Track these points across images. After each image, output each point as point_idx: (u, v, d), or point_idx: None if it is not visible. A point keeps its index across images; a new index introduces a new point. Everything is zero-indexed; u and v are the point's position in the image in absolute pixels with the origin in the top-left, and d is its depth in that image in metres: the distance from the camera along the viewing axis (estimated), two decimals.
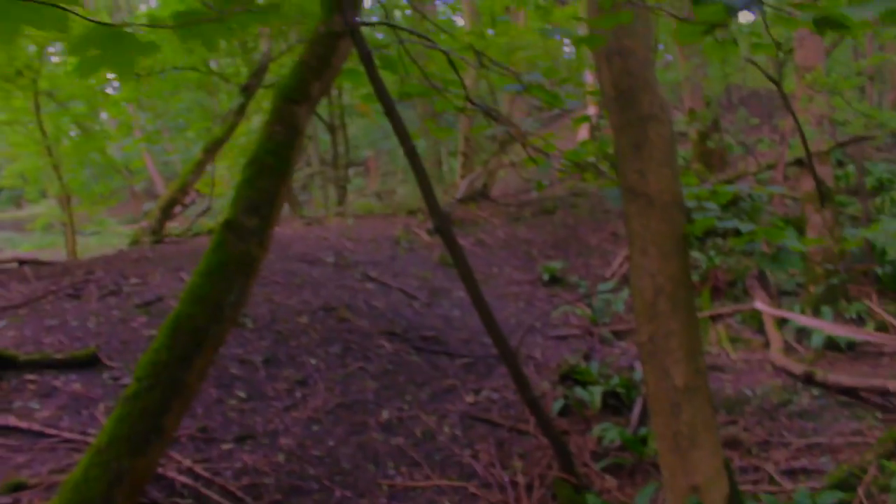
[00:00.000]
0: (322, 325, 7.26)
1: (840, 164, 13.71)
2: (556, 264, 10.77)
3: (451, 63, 5.78)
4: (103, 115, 19.41)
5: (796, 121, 4.95)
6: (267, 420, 5.60)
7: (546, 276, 10.53)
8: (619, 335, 9.03)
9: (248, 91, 14.23)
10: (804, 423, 6.10)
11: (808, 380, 6.88)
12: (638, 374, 7.06)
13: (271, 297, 7.71)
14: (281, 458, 5.17)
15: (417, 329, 7.79)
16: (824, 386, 6.72)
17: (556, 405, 6.36)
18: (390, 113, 4.73)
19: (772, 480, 5.25)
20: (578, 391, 6.60)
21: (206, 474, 4.71)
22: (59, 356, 5.92)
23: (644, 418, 6.20)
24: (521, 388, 5.11)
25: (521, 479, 5.33)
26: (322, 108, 20.45)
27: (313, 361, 6.56)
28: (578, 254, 11.51)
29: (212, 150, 13.60)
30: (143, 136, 19.47)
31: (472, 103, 5.94)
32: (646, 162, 4.23)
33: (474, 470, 5.42)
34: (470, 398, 6.51)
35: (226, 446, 5.19)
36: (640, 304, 4.26)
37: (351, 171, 23.13)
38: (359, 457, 5.38)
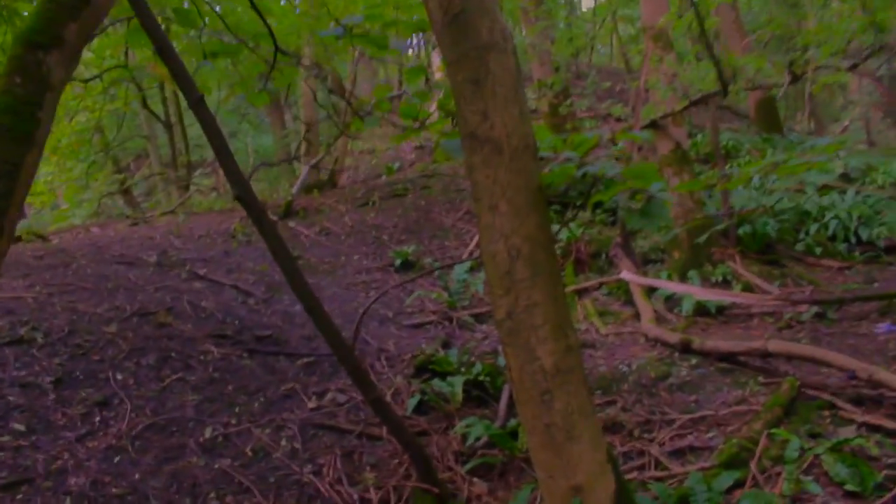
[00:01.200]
0: (135, 333, 6.13)
1: (690, 134, 13.64)
2: (409, 248, 9.96)
3: (256, 9, 4.85)
4: None
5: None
6: (52, 456, 4.48)
7: (398, 262, 9.71)
8: (479, 318, 8.32)
9: None
10: (686, 397, 5.53)
11: (686, 348, 6.36)
12: (502, 359, 6.35)
13: (74, 305, 6.50)
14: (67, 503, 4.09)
15: (252, 329, 6.78)
16: (702, 353, 6.21)
17: (412, 402, 5.54)
18: (174, 72, 3.76)
19: (658, 464, 4.61)
20: (437, 384, 5.81)
21: None
22: None
23: (513, 409, 5.48)
24: (361, 387, 4.24)
25: (373, 495, 4.47)
26: (156, 104, 18.88)
27: (119, 377, 5.45)
28: (433, 236, 10.74)
29: None
30: None
31: (284, 53, 5.02)
32: (488, 100, 3.41)
33: (317, 489, 4.51)
34: (312, 403, 5.58)
35: None
36: (494, 274, 3.45)
37: (197, 172, 21.52)
38: (172, 489, 4.35)
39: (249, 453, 4.83)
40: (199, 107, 3.75)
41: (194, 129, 23.85)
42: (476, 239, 10.53)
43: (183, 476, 4.49)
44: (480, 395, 5.88)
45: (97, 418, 4.94)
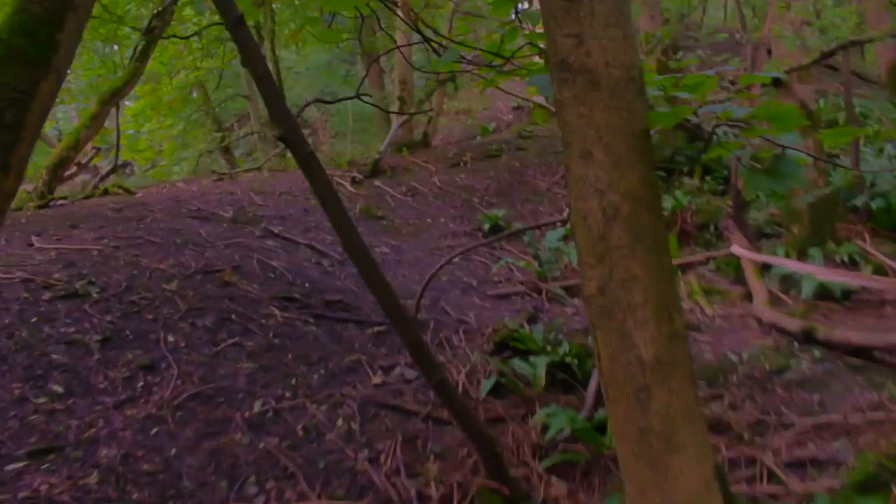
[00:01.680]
0: (195, 291, 5.70)
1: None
2: (499, 212, 9.26)
3: None
4: None
5: None
6: (86, 423, 4.07)
7: (487, 226, 9.02)
8: (571, 291, 7.58)
9: (150, 34, 12.48)
10: (808, 396, 4.69)
11: (808, 338, 5.48)
12: None
13: (137, 259, 6.13)
14: (93, 478, 3.65)
15: (322, 292, 6.26)
16: (828, 345, 5.32)
17: (487, 384, 4.90)
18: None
19: (772, 477, 3.84)
20: (517, 364, 5.15)
21: None
22: None
23: (602, 398, 4.80)
24: (422, 367, 3.63)
25: (433, 491, 3.87)
26: None
27: (171, 339, 5.02)
28: (525, 200, 10.00)
29: (109, 101, 11.85)
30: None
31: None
32: (584, 21, 2.66)
33: (370, 480, 3.95)
34: (377, 378, 5.02)
35: (13, 466, 3.66)
36: (585, 239, 2.72)
37: None
38: (208, 470, 3.87)
39: (300, 433, 4.31)
40: (237, 28, 3.17)
41: (294, 92, 23.73)
42: None
43: (223, 455, 4.00)
44: (566, 379, 5.19)
45: (140, 384, 4.50)
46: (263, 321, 5.51)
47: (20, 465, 3.68)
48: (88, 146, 15.42)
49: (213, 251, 6.68)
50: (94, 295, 5.34)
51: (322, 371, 5.01)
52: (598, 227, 2.65)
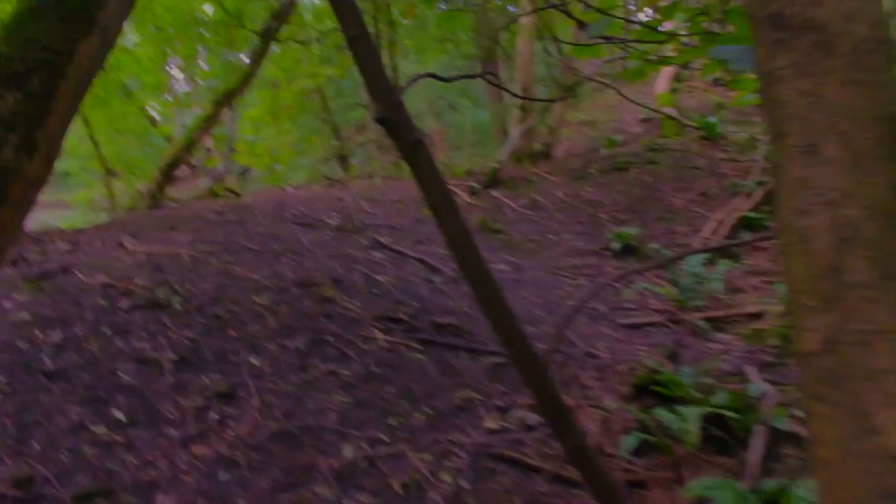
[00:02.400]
0: (289, 307, 5.03)
1: None
2: (630, 230, 8.25)
3: None
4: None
5: None
6: (145, 462, 3.41)
7: (617, 245, 8.03)
8: (717, 324, 6.52)
9: (267, 35, 12.15)
10: None
11: None
12: (754, 386, 4.64)
13: (230, 267, 5.53)
14: None
15: (431, 313, 5.48)
16: None
17: (629, 441, 3.96)
18: None
19: None
20: (662, 414, 4.19)
21: None
22: None
23: (769, 462, 3.84)
24: (555, 427, 2.77)
25: None
26: None
27: (255, 362, 4.34)
28: (658, 218, 8.95)
29: (223, 102, 11.55)
30: (175, 99, 17.67)
31: None
32: None
33: None
34: (492, 422, 4.17)
35: None
36: (804, 270, 1.76)
37: None
38: None
39: (398, 489, 3.51)
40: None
41: (412, 104, 23.31)
42: (711, 223, 8.64)
43: None
44: (721, 436, 4.20)
45: (214, 415, 3.82)
46: (363, 345, 4.77)
47: None
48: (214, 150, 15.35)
49: (313, 261, 6.03)
50: (177, 305, 4.74)
51: (427, 410, 4.21)
52: (826, 255, 1.69)
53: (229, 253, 5.88)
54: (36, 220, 12.23)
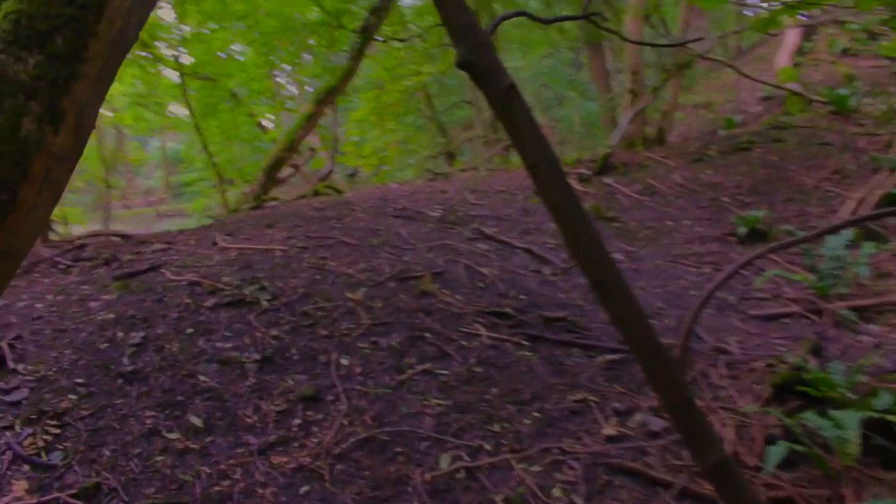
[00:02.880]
0: (385, 302, 4.64)
1: None
2: (757, 213, 7.44)
3: None
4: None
5: None
6: (219, 472, 3.06)
7: (743, 230, 7.25)
8: (866, 314, 5.72)
9: (366, 32, 11.92)
10: None
11: None
12: None
13: (324, 263, 5.19)
14: None
15: (541, 307, 4.98)
16: None
17: (775, 453, 3.32)
18: None
19: None
20: (811, 419, 3.54)
21: None
22: None
23: None
24: (690, 440, 2.23)
25: None
26: None
27: (345, 362, 3.95)
28: (788, 199, 8.08)
29: (324, 101, 11.39)
30: (277, 103, 17.77)
31: None
32: None
33: None
34: (610, 427, 3.63)
35: None
36: None
37: None
38: None
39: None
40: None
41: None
42: (851, 202, 7.72)
43: None
44: (886, 445, 3.52)
45: (296, 421, 3.45)
46: (465, 342, 4.32)
47: None
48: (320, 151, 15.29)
49: (412, 254, 5.62)
50: (264, 303, 4.42)
51: (536, 414, 3.72)
52: None
53: (324, 248, 5.56)
54: (156, 228, 12.45)
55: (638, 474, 3.29)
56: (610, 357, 4.36)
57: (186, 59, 17.02)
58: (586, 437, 3.55)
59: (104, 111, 22.23)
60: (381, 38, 15.97)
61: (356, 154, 19.15)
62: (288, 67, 18.09)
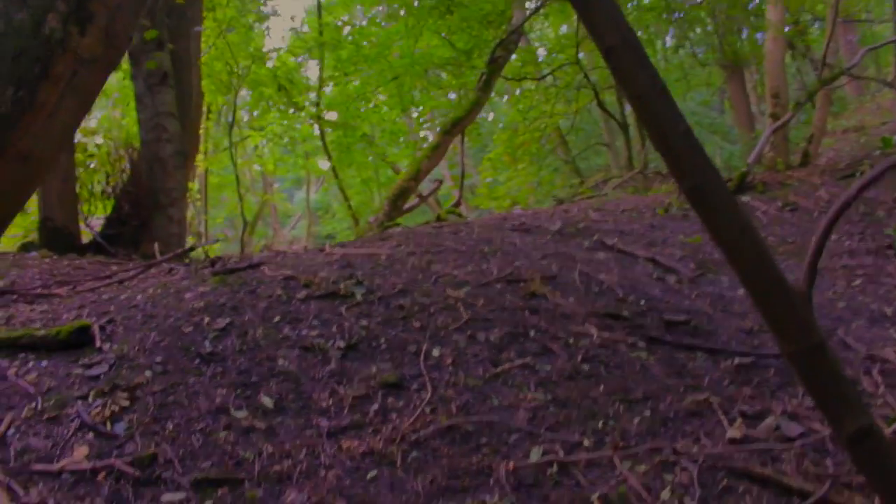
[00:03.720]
0: (487, 300, 4.29)
1: None
2: None
3: None
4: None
5: None
6: (283, 452, 2.78)
7: None
8: None
9: (494, 64, 11.81)
10: None
11: None
12: None
13: (428, 265, 4.91)
14: None
15: (661, 312, 4.49)
16: None
17: None
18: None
19: None
20: None
21: None
22: (40, 333, 3.67)
23: None
24: (826, 404, 1.75)
25: None
26: (613, 104, 17.29)
27: (436, 353, 3.61)
28: None
29: (450, 131, 11.30)
30: (409, 144, 17.94)
31: None
32: None
33: None
34: (735, 430, 3.10)
35: (170, 496, 2.47)
36: None
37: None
38: None
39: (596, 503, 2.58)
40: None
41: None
42: None
43: None
44: None
45: (374, 406, 3.13)
46: (571, 340, 3.90)
47: (178, 496, 2.47)
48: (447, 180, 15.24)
49: (525, 261, 5.26)
50: (358, 297, 4.17)
51: (647, 413, 3.24)
52: None
53: (432, 254, 5.28)
54: None
55: (768, 481, 2.75)
56: (739, 361, 3.82)
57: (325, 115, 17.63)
58: (706, 438, 3.05)
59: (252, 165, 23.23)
60: (511, 77, 15.92)
61: (489, 196, 19.01)
62: (418, 110, 18.27)
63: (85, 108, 1.93)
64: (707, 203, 1.60)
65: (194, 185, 15.43)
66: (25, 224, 10.58)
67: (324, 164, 23.07)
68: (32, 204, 10.16)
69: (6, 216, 1.72)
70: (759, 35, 17.02)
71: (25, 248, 8.33)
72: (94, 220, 9.08)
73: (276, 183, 29.86)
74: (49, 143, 1.83)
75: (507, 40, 11.86)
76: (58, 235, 8.30)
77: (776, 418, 3.18)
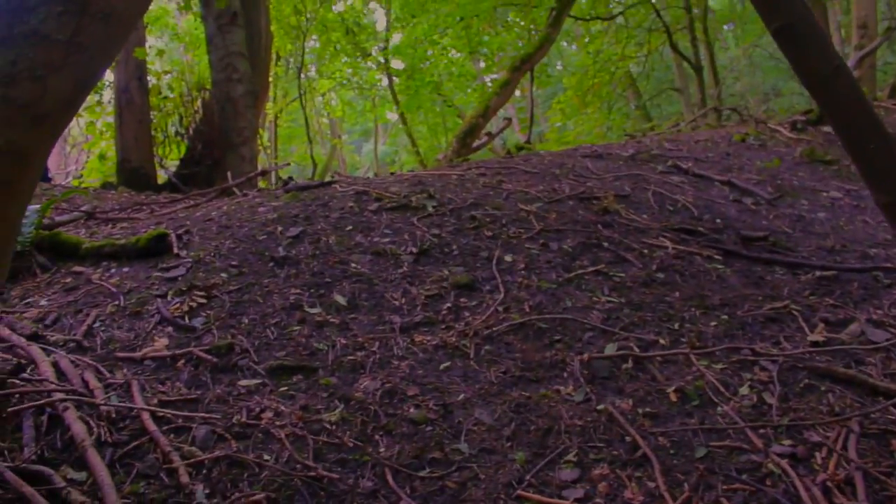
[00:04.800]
0: (559, 214, 4.23)
1: None
2: None
3: None
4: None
5: None
6: (356, 344, 2.80)
7: None
8: None
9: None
10: None
11: None
12: None
13: (499, 184, 4.86)
14: (334, 415, 2.34)
15: (738, 229, 4.37)
16: None
17: None
18: None
19: None
20: None
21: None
22: (121, 241, 3.78)
23: None
24: None
25: None
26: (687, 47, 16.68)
27: (508, 258, 3.58)
28: None
29: (519, 68, 11.12)
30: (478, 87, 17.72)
31: None
32: None
33: (794, 496, 2.05)
34: (816, 334, 3.00)
35: (246, 382, 2.52)
36: None
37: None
38: (504, 431, 2.32)
39: (672, 397, 2.54)
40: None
41: (733, 89, 21.23)
42: None
43: (534, 413, 2.42)
44: None
45: (446, 304, 3.13)
46: (646, 251, 3.82)
47: (254, 382, 2.52)
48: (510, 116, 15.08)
49: (597, 182, 5.16)
50: (429, 209, 4.16)
51: (724, 317, 3.17)
52: None
53: (503, 174, 5.22)
54: None
55: (852, 381, 2.66)
56: (821, 274, 3.69)
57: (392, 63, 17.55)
58: (786, 342, 2.96)
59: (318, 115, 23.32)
60: (580, 17, 15.54)
61: (558, 141, 18.74)
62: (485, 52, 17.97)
63: None
64: (798, 43, 1.50)
65: (264, 133, 15.59)
66: (104, 169, 10.89)
67: (391, 116, 23.07)
68: (111, 149, 10.47)
69: (92, 74, 1.73)
70: None
71: (105, 186, 8.57)
72: (168, 165, 9.28)
73: (343, 135, 29.98)
74: (130, 2, 1.82)
75: None
76: (135, 175, 8.52)
77: (860, 325, 3.07)
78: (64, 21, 1.68)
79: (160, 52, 10.30)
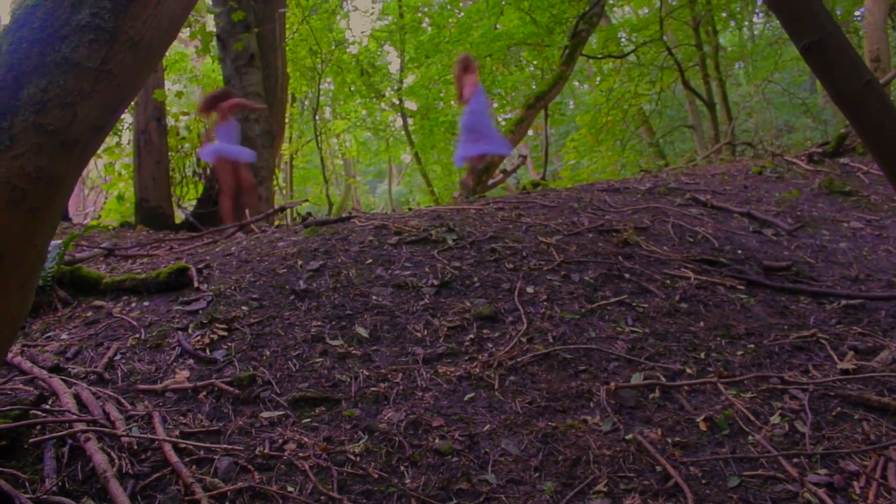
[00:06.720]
0: (579, 247, 4.20)
1: None
2: None
3: None
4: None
5: None
6: (378, 375, 2.77)
7: None
8: None
9: (577, 38, 11.64)
10: None
11: None
12: None
13: (517, 218, 4.85)
14: (358, 447, 2.31)
15: (760, 259, 4.33)
16: None
17: None
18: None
19: None
20: None
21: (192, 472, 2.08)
22: (141, 276, 3.78)
23: None
24: None
25: None
26: (699, 84, 16.76)
27: (530, 290, 3.56)
28: None
29: (534, 105, 11.19)
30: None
31: None
32: None
33: None
34: (846, 362, 2.95)
35: (268, 413, 2.49)
36: None
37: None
38: (532, 462, 2.27)
39: (702, 426, 2.49)
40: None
41: (745, 125, 21.22)
42: None
43: (562, 443, 2.37)
44: None
45: (469, 335, 3.10)
46: (668, 282, 3.79)
47: (276, 413, 2.50)
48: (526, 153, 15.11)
49: (615, 214, 5.15)
50: (449, 242, 4.14)
51: (751, 346, 3.12)
52: None
53: (520, 209, 5.22)
54: None
55: (886, 409, 2.60)
56: (847, 302, 3.64)
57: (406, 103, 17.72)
58: (815, 370, 2.91)
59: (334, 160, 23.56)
60: (593, 56, 15.63)
61: (572, 179, 18.76)
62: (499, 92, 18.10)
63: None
64: (827, 59, 1.49)
65: (279, 173, 15.73)
66: (122, 210, 10.98)
67: (405, 157, 23.25)
68: (129, 190, 10.57)
69: (121, 101, 1.74)
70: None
71: (123, 226, 8.65)
72: (185, 204, 9.37)
73: (357, 176, 30.18)
74: (157, 32, 1.84)
75: (589, 13, 11.69)
76: (153, 214, 8.59)
77: (891, 353, 3.02)
78: (94, 49, 1.70)
79: (179, 94, 10.44)
